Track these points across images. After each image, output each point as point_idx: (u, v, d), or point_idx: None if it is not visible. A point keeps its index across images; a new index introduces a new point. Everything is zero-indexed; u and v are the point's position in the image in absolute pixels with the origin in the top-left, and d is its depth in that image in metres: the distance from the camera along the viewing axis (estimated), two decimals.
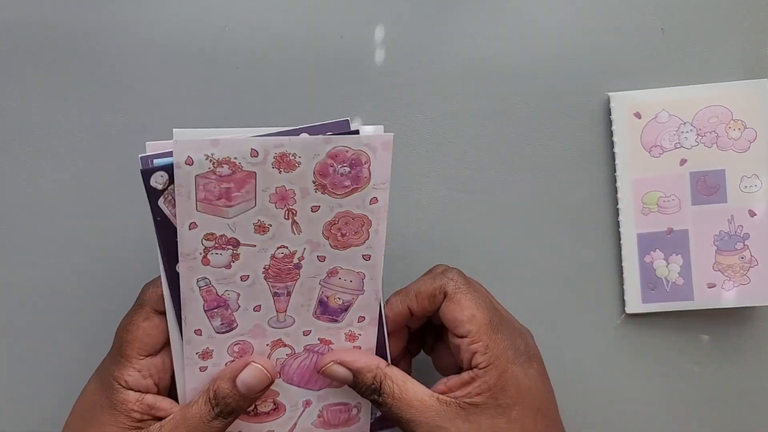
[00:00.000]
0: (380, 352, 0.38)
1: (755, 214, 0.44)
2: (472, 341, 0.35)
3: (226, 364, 0.36)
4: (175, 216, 0.32)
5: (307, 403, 0.38)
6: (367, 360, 0.36)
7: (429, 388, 0.35)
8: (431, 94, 0.45)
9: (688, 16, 0.45)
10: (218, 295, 0.34)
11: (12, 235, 0.44)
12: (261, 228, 0.33)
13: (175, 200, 0.32)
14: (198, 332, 0.35)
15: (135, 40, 0.44)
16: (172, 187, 0.32)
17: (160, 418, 0.35)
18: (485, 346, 0.34)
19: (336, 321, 0.36)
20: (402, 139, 0.44)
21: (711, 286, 0.44)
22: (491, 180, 0.45)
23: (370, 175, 0.33)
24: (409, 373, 0.38)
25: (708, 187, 0.44)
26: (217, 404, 0.34)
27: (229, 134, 0.32)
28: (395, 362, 0.38)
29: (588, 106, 0.45)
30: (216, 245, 0.33)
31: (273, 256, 0.34)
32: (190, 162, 0.31)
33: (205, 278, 0.34)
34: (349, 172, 0.33)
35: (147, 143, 0.33)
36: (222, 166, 0.31)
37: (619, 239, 0.45)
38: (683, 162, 0.44)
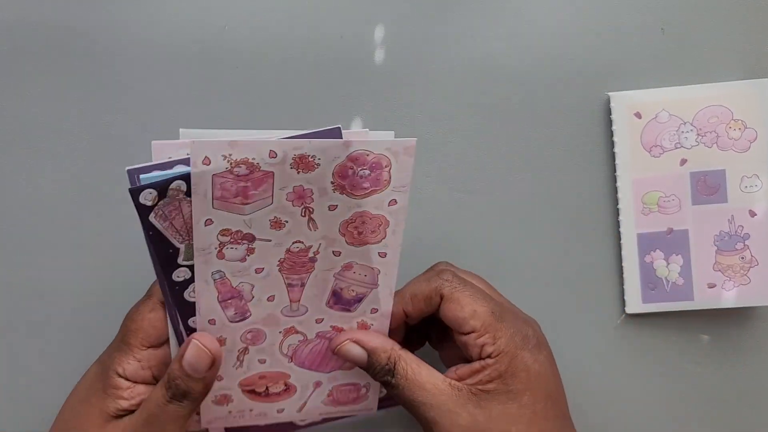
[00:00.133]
0: None
1: (755, 214, 0.44)
2: (478, 336, 0.35)
3: (239, 350, 0.36)
4: (167, 229, 0.32)
5: (317, 384, 0.38)
6: (382, 340, 0.36)
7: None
8: (431, 94, 0.45)
9: (688, 16, 0.45)
10: (232, 286, 0.34)
11: (12, 235, 0.44)
12: (277, 224, 0.33)
13: (165, 214, 0.32)
14: (212, 322, 0.35)
15: (135, 40, 0.44)
16: (162, 201, 0.32)
17: None
18: (492, 336, 0.35)
19: (349, 311, 0.37)
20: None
21: (711, 286, 0.44)
22: (491, 180, 0.45)
23: (390, 178, 0.33)
24: None
25: (708, 187, 0.44)
26: (170, 387, 0.34)
27: (235, 136, 0.32)
28: None
29: (588, 106, 0.45)
30: (231, 240, 0.33)
31: (288, 250, 0.34)
32: (207, 162, 0.31)
33: (220, 271, 0.34)
34: (369, 174, 0.33)
35: (153, 143, 0.32)
36: (240, 166, 0.31)
37: (619, 239, 0.45)
38: (683, 162, 0.44)
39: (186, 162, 0.32)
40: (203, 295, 0.34)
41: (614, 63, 0.45)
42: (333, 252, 0.35)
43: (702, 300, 0.44)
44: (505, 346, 0.34)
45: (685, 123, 0.44)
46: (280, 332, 0.36)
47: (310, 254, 0.34)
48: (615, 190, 0.45)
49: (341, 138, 0.33)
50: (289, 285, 0.35)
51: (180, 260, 0.33)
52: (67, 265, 0.44)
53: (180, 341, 0.35)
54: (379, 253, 0.35)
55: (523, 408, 0.34)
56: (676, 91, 0.44)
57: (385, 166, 0.33)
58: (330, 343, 0.37)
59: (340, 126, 0.33)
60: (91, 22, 0.44)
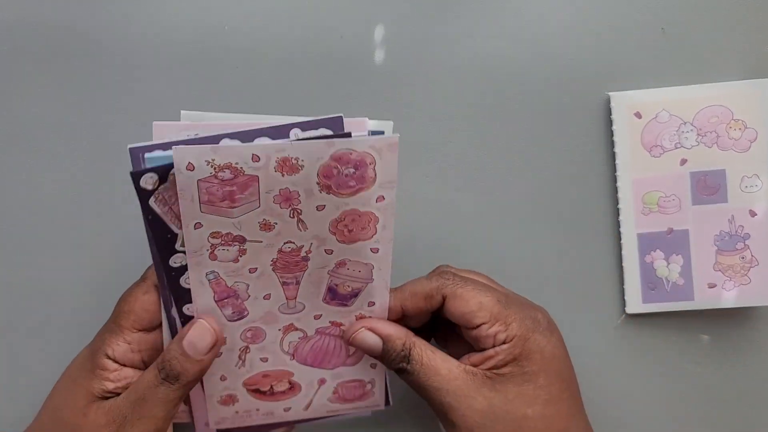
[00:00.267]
0: None
1: (756, 214, 0.44)
2: (489, 326, 0.35)
3: (239, 349, 0.36)
4: (166, 214, 0.32)
5: (322, 381, 0.38)
6: (396, 328, 0.36)
7: None
8: (431, 94, 0.45)
9: (689, 16, 0.45)
10: (227, 286, 0.35)
11: (12, 235, 0.44)
12: (266, 226, 0.33)
13: (165, 198, 0.32)
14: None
15: (135, 40, 0.44)
16: (162, 186, 0.32)
17: None
18: (503, 324, 0.35)
19: (346, 305, 0.37)
20: (402, 138, 0.44)
21: (711, 286, 0.44)
22: (491, 180, 0.45)
23: (375, 175, 0.33)
24: None
25: (708, 187, 0.44)
26: (163, 368, 0.34)
27: (235, 120, 0.32)
28: None
29: (588, 106, 0.45)
30: (223, 242, 0.33)
31: (280, 251, 0.34)
32: (191, 167, 0.31)
33: (214, 272, 0.34)
34: (354, 173, 0.33)
35: (154, 123, 0.32)
36: (224, 171, 0.31)
37: (620, 239, 0.45)
38: (683, 162, 0.44)
39: (189, 143, 0.32)
40: (200, 295, 0.34)
41: (614, 63, 0.45)
42: (325, 250, 0.35)
43: (702, 300, 0.44)
44: (518, 330, 0.35)
45: (685, 123, 0.44)
46: (279, 330, 0.37)
47: (302, 254, 0.34)
48: (615, 190, 0.45)
49: (343, 127, 0.33)
50: (284, 283, 0.35)
51: (178, 246, 0.33)
52: (67, 265, 0.44)
53: (172, 327, 0.35)
54: (371, 249, 0.35)
55: (539, 389, 0.34)
56: (676, 91, 0.44)
57: (370, 164, 0.33)
58: (344, 334, 0.37)
59: (341, 115, 0.33)
60: (91, 22, 0.44)
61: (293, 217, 0.33)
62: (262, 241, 0.33)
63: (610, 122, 0.44)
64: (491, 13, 0.45)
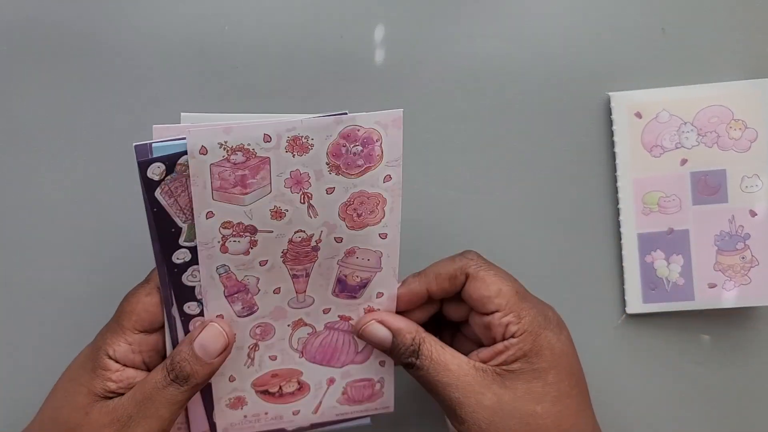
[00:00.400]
0: None
1: (756, 214, 0.44)
2: (503, 314, 0.35)
3: (249, 347, 0.36)
4: (171, 206, 0.32)
5: (331, 381, 0.38)
6: (406, 322, 0.36)
7: None
8: (431, 94, 0.45)
9: (689, 16, 0.45)
10: (238, 280, 0.34)
11: (12, 235, 0.44)
12: (278, 214, 0.33)
13: (171, 190, 0.32)
14: (220, 317, 0.35)
15: (135, 40, 0.44)
16: (169, 177, 0.32)
17: None
18: (517, 315, 0.35)
19: (354, 297, 0.37)
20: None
21: (712, 286, 0.44)
22: (491, 180, 0.45)
23: (382, 152, 0.33)
24: None
25: (709, 187, 0.44)
26: (173, 369, 0.34)
27: (237, 120, 0.33)
28: None
29: (588, 106, 0.45)
30: (234, 233, 0.33)
31: (290, 241, 0.34)
32: (204, 151, 0.31)
33: (225, 265, 0.34)
34: (362, 151, 0.33)
35: (154, 126, 0.32)
36: (236, 154, 0.31)
37: (620, 239, 0.45)
38: (684, 162, 0.44)
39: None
40: (210, 290, 0.34)
41: (614, 63, 0.45)
42: (335, 239, 0.35)
43: (702, 300, 0.44)
44: (529, 325, 0.35)
45: (685, 123, 0.44)
46: (288, 325, 0.37)
47: (313, 243, 0.34)
48: (615, 190, 0.45)
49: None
50: (294, 276, 0.35)
51: (181, 240, 0.33)
52: (67, 265, 0.44)
53: (171, 326, 0.35)
54: (379, 234, 0.35)
55: (548, 386, 0.34)
56: (676, 91, 0.44)
57: (377, 140, 0.33)
58: (354, 327, 0.37)
59: (346, 111, 0.33)
60: (91, 22, 0.44)
61: (304, 203, 0.33)
62: (272, 231, 0.34)
63: (610, 122, 0.44)
64: (491, 13, 0.45)
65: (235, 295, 0.35)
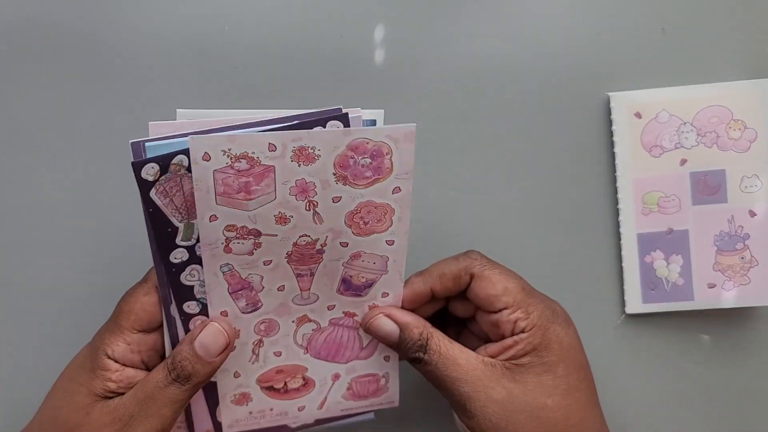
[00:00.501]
0: None
1: (755, 215, 0.44)
2: (512, 311, 0.35)
3: (253, 343, 0.36)
4: (167, 206, 0.32)
5: (336, 377, 0.38)
6: (413, 317, 0.36)
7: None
8: (431, 94, 0.45)
9: (689, 16, 0.45)
10: (242, 278, 0.34)
11: (12, 235, 0.44)
12: (282, 219, 0.33)
13: (166, 190, 0.32)
14: (224, 313, 0.35)
15: (135, 40, 0.44)
16: (163, 177, 0.32)
17: None
18: (525, 311, 0.35)
19: (359, 296, 0.37)
20: None
21: (711, 286, 0.44)
22: (491, 180, 0.45)
23: (392, 165, 0.33)
24: None
25: (708, 187, 0.44)
26: (174, 368, 0.34)
27: (233, 116, 0.32)
28: None
29: (588, 106, 0.45)
30: (238, 235, 0.33)
31: (295, 244, 0.34)
32: (207, 158, 0.31)
33: (228, 264, 0.34)
34: (370, 163, 0.33)
35: (150, 123, 0.32)
36: (240, 161, 0.31)
37: (619, 239, 0.45)
38: (683, 162, 0.44)
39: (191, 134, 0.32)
40: (214, 287, 0.34)
41: (614, 63, 0.45)
42: (340, 243, 0.35)
43: (702, 300, 0.44)
44: (538, 320, 0.35)
45: (685, 123, 0.44)
46: (293, 321, 0.37)
47: (317, 246, 0.34)
48: (615, 190, 0.45)
49: (346, 118, 0.33)
50: (298, 275, 0.35)
51: (178, 240, 0.33)
52: (67, 265, 0.44)
53: (171, 326, 0.35)
54: (386, 241, 0.35)
55: (558, 379, 0.34)
56: (676, 91, 0.44)
57: (386, 154, 0.33)
58: (362, 320, 0.37)
59: (341, 107, 0.33)
60: (90, 22, 0.44)
61: (309, 210, 0.33)
62: (277, 235, 0.33)
63: (610, 122, 0.44)
64: (491, 13, 0.45)
65: (239, 292, 0.35)
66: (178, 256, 0.34)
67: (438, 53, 0.45)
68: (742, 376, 0.45)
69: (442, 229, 0.45)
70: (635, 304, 0.44)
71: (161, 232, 0.33)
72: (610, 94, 0.44)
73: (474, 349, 0.36)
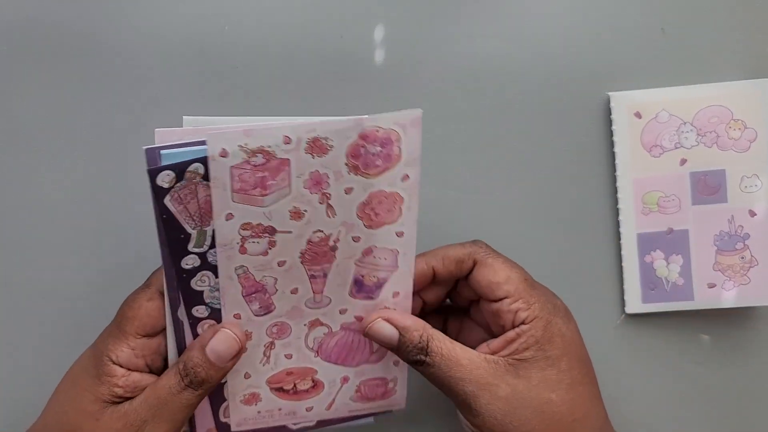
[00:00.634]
0: None
1: (755, 214, 0.44)
2: (513, 301, 0.35)
3: (265, 345, 0.37)
4: (180, 213, 0.32)
5: (345, 380, 0.39)
6: (413, 320, 0.36)
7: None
8: (431, 94, 0.45)
9: (689, 16, 0.45)
10: (256, 281, 0.35)
11: (12, 235, 0.44)
12: (296, 214, 0.33)
13: (181, 197, 0.32)
14: (237, 316, 0.35)
15: (135, 39, 0.44)
16: (178, 184, 0.32)
17: None
18: (527, 302, 0.35)
19: (371, 298, 0.37)
20: None
21: (711, 286, 0.44)
22: (491, 180, 0.45)
23: (401, 152, 0.33)
24: None
25: (708, 187, 0.44)
26: (187, 374, 0.34)
27: (239, 123, 0.32)
28: None
29: (588, 106, 0.45)
30: (253, 234, 0.33)
31: (309, 241, 0.34)
32: (224, 154, 0.31)
33: (243, 266, 0.34)
34: (381, 151, 0.33)
35: (156, 130, 0.32)
36: (256, 156, 0.31)
37: (619, 239, 0.45)
38: (683, 162, 0.44)
39: (204, 143, 0.32)
40: (228, 290, 0.34)
41: (614, 63, 0.45)
42: (353, 238, 0.35)
43: (702, 300, 0.44)
44: (539, 312, 0.35)
45: (685, 123, 0.44)
46: (305, 325, 0.37)
47: (331, 242, 0.35)
48: (615, 190, 0.45)
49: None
50: (311, 276, 0.35)
51: (190, 246, 0.33)
52: (67, 265, 0.44)
53: (178, 329, 0.35)
54: (396, 233, 0.35)
55: (562, 373, 0.34)
56: (676, 91, 0.44)
57: (395, 141, 0.33)
58: (360, 325, 0.37)
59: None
60: (91, 22, 0.44)
61: (322, 203, 0.33)
62: (291, 232, 0.34)
63: (610, 122, 0.44)
64: (491, 13, 0.45)
65: (253, 295, 0.35)
66: (190, 262, 0.34)
67: (438, 53, 0.45)
68: (742, 376, 0.45)
69: (442, 229, 0.45)
70: (635, 304, 0.44)
71: (174, 238, 0.33)
72: (610, 94, 0.44)
73: (476, 343, 0.36)
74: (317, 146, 0.32)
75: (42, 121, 0.44)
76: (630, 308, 0.45)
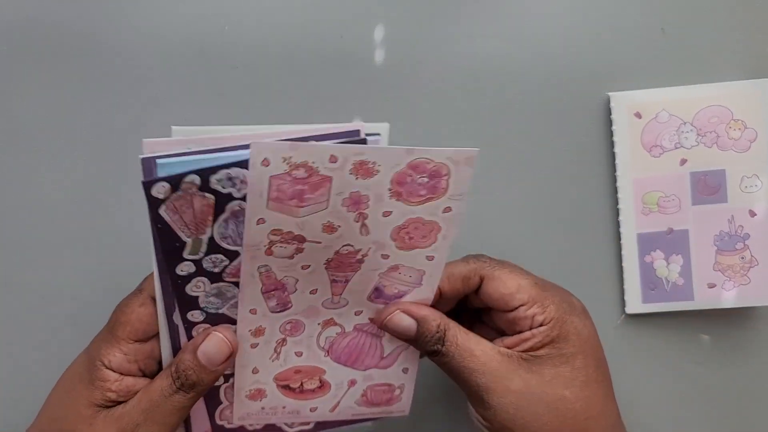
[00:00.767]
0: None
1: (755, 214, 0.44)
2: (528, 307, 0.35)
3: (276, 341, 0.36)
4: (175, 222, 0.32)
5: (352, 383, 0.38)
6: (430, 310, 0.36)
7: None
8: (431, 94, 0.45)
9: (689, 16, 0.45)
10: (277, 279, 0.34)
11: (12, 235, 0.44)
12: (330, 228, 0.33)
13: (176, 207, 0.32)
14: (253, 311, 0.35)
15: (135, 40, 0.44)
16: (174, 195, 0.32)
17: None
18: (542, 305, 0.35)
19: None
20: (401, 139, 0.44)
21: (711, 286, 0.44)
22: (491, 180, 0.45)
23: (447, 186, 0.33)
24: None
25: (708, 187, 0.44)
26: (178, 377, 0.34)
27: (224, 133, 0.32)
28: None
29: (588, 106, 0.45)
30: (282, 240, 0.33)
31: (337, 252, 0.34)
32: (266, 163, 0.31)
33: (266, 265, 0.34)
34: (427, 182, 0.33)
35: (144, 140, 0.32)
36: (299, 169, 0.31)
37: (619, 239, 0.45)
38: (683, 162, 0.44)
39: (202, 152, 0.32)
40: (247, 286, 0.34)
41: (614, 63, 0.45)
42: (382, 255, 0.35)
43: (702, 300, 0.44)
44: (555, 312, 0.34)
45: (685, 123, 0.44)
46: (318, 324, 0.37)
47: (359, 256, 0.34)
48: (615, 190, 0.45)
49: (359, 136, 0.33)
50: (333, 281, 0.35)
51: (185, 254, 0.33)
52: (67, 265, 0.44)
53: (173, 334, 0.35)
54: (427, 256, 0.35)
55: (576, 371, 0.34)
56: (676, 91, 0.44)
57: (444, 175, 0.33)
58: (377, 318, 0.37)
59: (359, 128, 0.33)
60: (91, 23, 0.44)
61: (358, 222, 0.33)
62: (321, 242, 0.33)
63: (610, 122, 0.44)
64: (491, 13, 0.45)
65: (272, 293, 0.35)
66: (185, 269, 0.34)
67: (438, 53, 0.45)
68: (742, 376, 0.45)
69: None
70: (635, 304, 0.44)
71: (169, 246, 0.33)
72: (610, 94, 0.44)
73: (488, 339, 0.36)
74: (363, 169, 0.32)
75: (42, 121, 0.44)
76: (630, 308, 0.45)
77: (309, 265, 0.34)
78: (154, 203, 0.32)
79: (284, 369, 0.38)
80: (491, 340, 0.36)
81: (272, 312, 0.35)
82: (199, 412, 0.38)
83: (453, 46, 0.45)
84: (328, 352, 0.38)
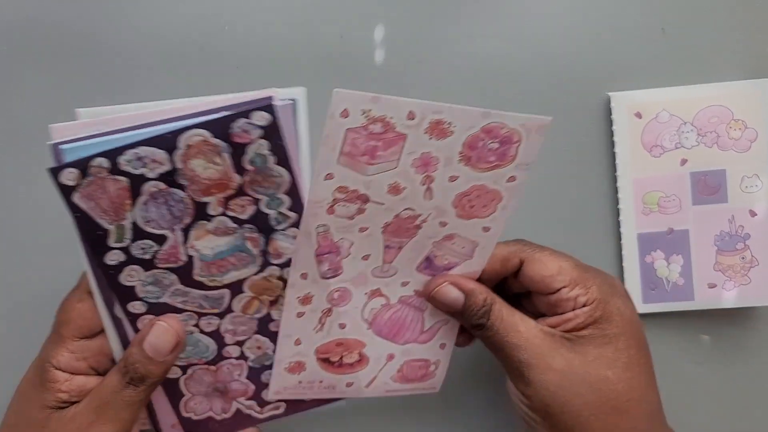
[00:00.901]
0: None
1: (756, 214, 0.44)
2: (570, 289, 0.35)
3: (322, 311, 0.36)
4: (93, 209, 0.31)
5: (390, 357, 0.38)
6: (476, 284, 0.36)
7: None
8: (431, 94, 0.44)
9: (689, 16, 0.45)
10: (333, 241, 0.34)
11: (12, 235, 0.44)
12: (395, 189, 0.33)
13: (90, 193, 0.31)
14: (303, 276, 0.35)
15: (135, 40, 0.44)
16: (85, 181, 0.31)
17: None
18: (584, 286, 0.35)
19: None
20: None
21: (712, 286, 0.44)
22: None
23: (516, 154, 0.33)
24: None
25: (708, 187, 0.44)
26: (127, 372, 0.33)
27: (131, 111, 0.31)
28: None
29: (588, 106, 0.45)
30: (346, 198, 0.33)
31: (397, 215, 0.34)
32: (345, 114, 0.31)
33: (325, 224, 0.34)
34: (498, 148, 0.33)
35: (51, 126, 0.31)
36: (376, 124, 0.31)
37: (620, 239, 0.45)
38: (684, 162, 0.44)
39: (109, 133, 0.31)
40: (302, 246, 0.34)
41: (614, 63, 0.45)
42: (440, 222, 0.35)
43: (702, 300, 0.44)
44: (598, 293, 0.34)
45: (685, 123, 0.44)
46: (365, 294, 0.36)
47: (418, 221, 0.34)
48: (615, 190, 0.45)
49: (271, 105, 0.32)
50: (387, 246, 0.35)
51: (110, 242, 0.32)
52: (66, 265, 0.44)
53: (118, 327, 0.35)
54: (483, 227, 0.35)
55: (619, 352, 0.34)
56: (676, 91, 0.44)
57: (515, 142, 0.33)
58: (424, 290, 0.37)
59: (271, 96, 0.32)
60: (91, 23, 0.44)
61: (424, 184, 0.33)
62: (383, 204, 0.33)
63: (610, 122, 0.44)
64: (491, 13, 0.45)
65: (326, 255, 0.35)
66: (114, 258, 0.33)
67: (438, 53, 0.45)
68: (742, 376, 0.45)
69: None
70: (635, 304, 0.44)
71: (91, 235, 0.32)
72: (610, 94, 0.44)
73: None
74: (439, 129, 0.32)
75: (42, 121, 0.43)
76: None
77: (367, 228, 0.34)
78: (65, 191, 0.30)
79: (326, 341, 0.37)
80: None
81: (323, 278, 0.35)
82: (163, 406, 0.38)
83: (453, 46, 0.45)
84: (371, 324, 0.37)
